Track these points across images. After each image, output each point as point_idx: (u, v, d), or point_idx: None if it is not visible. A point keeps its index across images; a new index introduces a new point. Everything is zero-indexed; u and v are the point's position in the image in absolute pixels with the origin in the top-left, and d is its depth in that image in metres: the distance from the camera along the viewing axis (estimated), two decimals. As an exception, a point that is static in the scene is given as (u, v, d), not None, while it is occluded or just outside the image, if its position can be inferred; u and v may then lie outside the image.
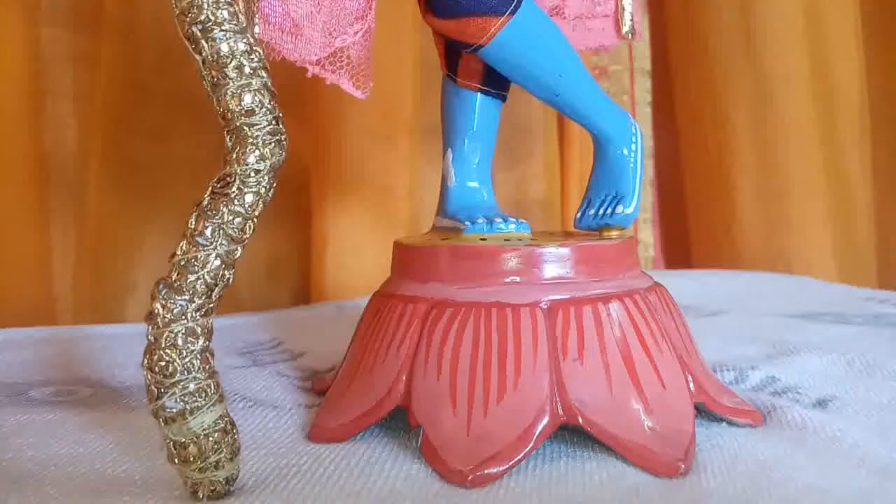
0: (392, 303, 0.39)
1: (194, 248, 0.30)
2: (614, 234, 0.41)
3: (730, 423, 0.38)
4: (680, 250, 0.95)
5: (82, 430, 0.38)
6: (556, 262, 0.37)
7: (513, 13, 0.37)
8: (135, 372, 0.48)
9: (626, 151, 0.41)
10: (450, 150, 0.42)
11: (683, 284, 0.77)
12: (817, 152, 0.88)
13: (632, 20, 0.50)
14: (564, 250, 0.37)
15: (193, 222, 0.30)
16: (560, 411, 0.34)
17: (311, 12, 0.35)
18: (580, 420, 0.34)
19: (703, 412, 0.38)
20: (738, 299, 0.72)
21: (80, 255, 0.65)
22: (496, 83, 0.42)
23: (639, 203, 0.42)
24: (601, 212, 0.41)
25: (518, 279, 0.36)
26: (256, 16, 0.34)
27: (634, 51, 0.93)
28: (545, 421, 0.33)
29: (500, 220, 0.38)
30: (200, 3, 0.30)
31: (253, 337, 0.57)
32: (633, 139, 0.41)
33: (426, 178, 0.78)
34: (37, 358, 0.51)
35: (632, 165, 0.41)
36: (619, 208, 0.41)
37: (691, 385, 0.37)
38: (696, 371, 0.38)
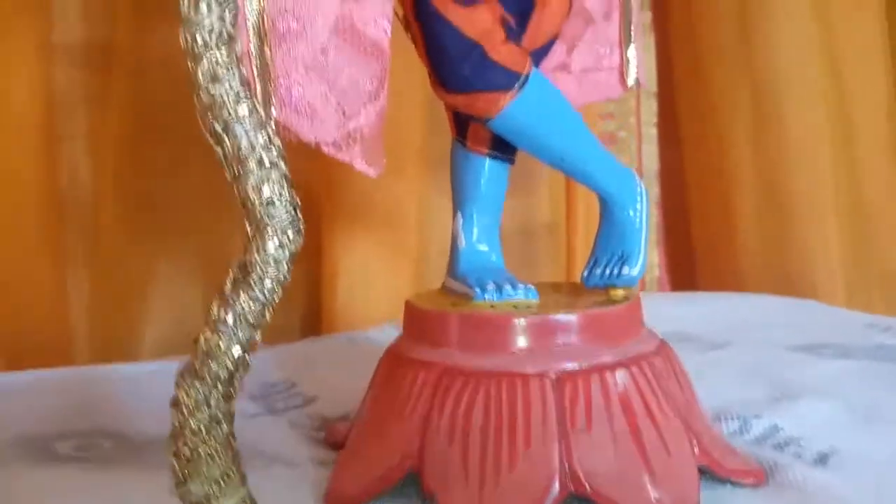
0: (404, 366, 0.40)
1: (216, 336, 0.31)
2: (620, 293, 0.43)
3: (734, 484, 0.39)
4: (685, 271, 0.96)
5: (104, 492, 0.39)
6: (563, 331, 0.38)
7: (521, 88, 0.38)
8: (153, 423, 0.49)
9: (631, 213, 0.42)
10: (459, 213, 0.43)
11: (688, 311, 0.79)
12: (827, 169, 0.89)
13: (637, 71, 0.51)
14: (571, 319, 0.38)
15: (215, 310, 0.32)
16: (569, 482, 0.35)
17: (325, 93, 0.36)
18: (588, 491, 0.35)
19: (708, 473, 0.39)
20: (742, 328, 0.73)
21: (95, 292, 0.66)
22: (505, 148, 0.43)
23: (644, 263, 0.43)
24: (608, 272, 0.43)
25: (527, 348, 0.38)
26: (273, 99, 0.35)
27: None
28: (555, 492, 0.35)
29: (508, 286, 0.40)
30: (222, 100, 0.31)
31: (266, 378, 0.59)
32: (639, 200, 0.42)
33: (435, 208, 0.78)
34: (56, 404, 0.52)
35: (637, 226, 0.42)
36: (626, 269, 0.42)
37: (696, 449, 0.38)
38: (700, 433, 0.39)
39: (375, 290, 0.77)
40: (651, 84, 0.93)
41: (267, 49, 0.35)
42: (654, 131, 0.94)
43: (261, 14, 0.34)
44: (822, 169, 0.89)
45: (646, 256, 0.43)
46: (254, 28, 0.34)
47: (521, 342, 0.38)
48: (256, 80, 0.35)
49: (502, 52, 0.37)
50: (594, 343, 0.38)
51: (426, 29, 0.38)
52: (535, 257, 0.84)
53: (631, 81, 0.50)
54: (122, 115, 0.65)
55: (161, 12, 0.64)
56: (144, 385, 0.56)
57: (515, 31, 0.39)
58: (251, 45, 0.34)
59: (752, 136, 0.90)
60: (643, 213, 0.42)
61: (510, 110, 0.38)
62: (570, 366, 0.37)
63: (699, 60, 0.92)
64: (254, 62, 0.35)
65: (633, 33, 0.50)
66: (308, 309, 0.78)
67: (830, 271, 0.88)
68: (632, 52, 0.51)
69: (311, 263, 0.79)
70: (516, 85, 0.38)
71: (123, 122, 0.65)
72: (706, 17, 0.92)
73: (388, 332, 0.73)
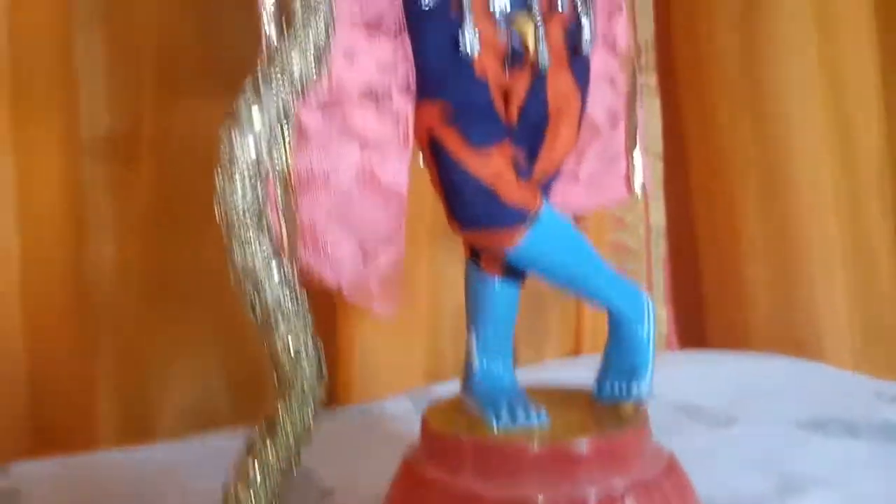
0: (421, 486, 0.42)
1: (244, 491, 0.33)
2: (630, 408, 0.44)
3: None
4: (695, 327, 0.97)
5: None
6: (575, 458, 0.40)
7: (532, 224, 0.40)
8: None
9: (640, 330, 0.44)
10: (473, 331, 0.45)
11: (695, 378, 0.80)
12: (834, 227, 0.90)
13: (643, 176, 0.53)
14: (583, 447, 0.40)
15: (243, 462, 0.33)
16: None
17: (346, 237, 0.38)
18: None
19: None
20: (750, 398, 0.75)
21: (120, 374, 0.68)
22: (518, 271, 0.44)
23: (652, 379, 0.45)
24: (617, 388, 0.44)
25: (540, 475, 0.39)
26: (298, 245, 0.37)
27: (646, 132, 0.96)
28: None
29: (522, 412, 0.41)
30: (253, 265, 0.33)
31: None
32: (647, 316, 0.44)
33: (447, 276, 0.80)
34: (84, 492, 0.54)
35: (646, 343, 0.43)
36: (635, 387, 0.44)
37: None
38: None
39: (389, 359, 0.78)
40: (656, 146, 0.94)
41: (292, 198, 0.37)
42: (660, 191, 0.96)
43: (287, 169, 0.36)
44: (830, 227, 0.90)
45: (653, 372, 0.45)
46: (280, 180, 0.36)
47: (534, 470, 0.39)
48: (282, 227, 0.37)
49: (514, 192, 0.39)
50: (605, 469, 0.40)
51: (441, 171, 0.39)
52: (545, 324, 0.86)
53: (637, 188, 0.52)
54: (146, 202, 0.67)
55: (184, 106, 0.67)
56: (169, 468, 0.58)
57: (526, 168, 0.41)
58: (278, 195, 0.36)
59: (761, 195, 0.92)
60: (651, 329, 0.44)
61: (522, 244, 0.40)
62: (582, 493, 0.39)
63: (708, 119, 0.94)
64: (279, 210, 0.37)
65: (638, 140, 0.52)
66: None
67: (838, 329, 0.90)
68: (637, 157, 0.52)
69: (324, 333, 0.80)
70: (527, 222, 0.40)
71: (147, 209, 0.68)
72: (715, 77, 0.93)
73: (403, 405, 0.75)
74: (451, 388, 0.71)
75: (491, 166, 0.39)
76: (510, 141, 0.40)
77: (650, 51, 0.93)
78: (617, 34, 0.49)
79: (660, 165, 0.96)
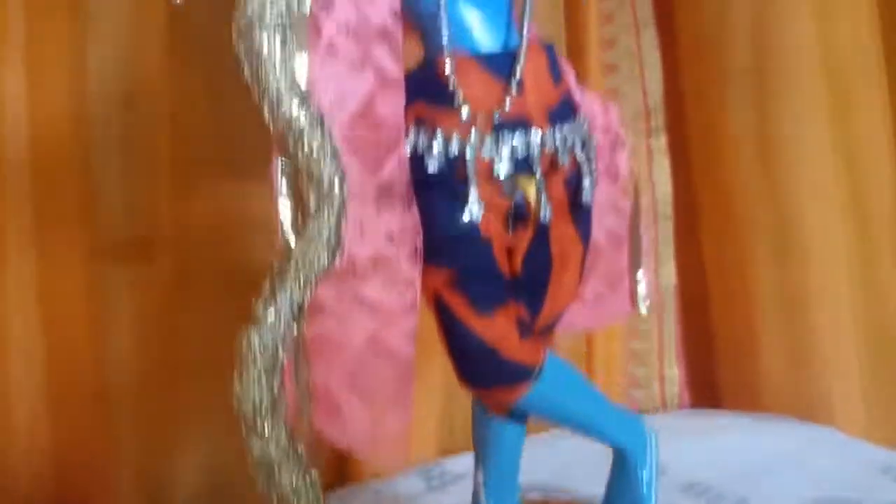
0: None
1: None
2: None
3: None
4: (708, 385, 0.98)
5: None
6: None
7: (535, 378, 0.41)
8: None
9: (642, 474, 0.45)
10: (481, 469, 0.46)
11: (703, 451, 0.81)
12: (846, 293, 0.91)
13: (646, 295, 0.54)
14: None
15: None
16: None
17: (356, 401, 0.40)
18: None
19: None
20: (758, 473, 0.76)
21: (141, 458, 0.71)
22: (523, 415, 0.46)
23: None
24: None
25: None
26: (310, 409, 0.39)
27: (657, 195, 0.97)
28: None
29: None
30: (269, 456, 0.35)
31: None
32: (650, 458, 0.45)
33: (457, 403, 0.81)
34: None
35: (647, 491, 0.45)
36: None
37: None
38: None
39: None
40: (666, 207, 0.95)
41: (305, 367, 0.39)
42: (670, 250, 0.97)
43: (300, 338, 0.38)
44: (842, 291, 0.90)
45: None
46: (294, 352, 0.38)
47: None
48: (296, 395, 0.38)
49: (517, 351, 0.41)
50: None
51: (447, 331, 0.41)
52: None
53: (643, 308, 0.53)
54: (163, 294, 0.69)
55: (199, 200, 0.69)
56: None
57: (530, 320, 0.43)
58: (291, 363, 0.38)
59: (774, 257, 0.92)
60: (653, 473, 0.45)
61: (526, 398, 0.42)
62: None
63: (720, 181, 0.94)
64: (293, 379, 0.39)
65: (641, 260, 0.54)
66: (332, 453, 0.82)
67: (849, 394, 0.91)
68: (641, 277, 0.54)
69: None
70: (531, 377, 0.41)
71: (164, 300, 0.70)
72: (726, 140, 0.93)
73: (414, 483, 0.77)
74: (463, 462, 0.73)
75: (495, 329, 0.41)
76: (514, 299, 0.42)
77: (659, 112, 0.96)
78: (619, 165, 0.51)
79: (670, 226, 0.98)
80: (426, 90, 0.42)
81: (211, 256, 0.70)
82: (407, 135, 0.42)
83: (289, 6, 0.38)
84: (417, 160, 0.42)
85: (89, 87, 0.68)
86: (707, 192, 0.97)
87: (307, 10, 0.39)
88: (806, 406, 0.91)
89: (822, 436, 0.85)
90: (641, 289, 0.54)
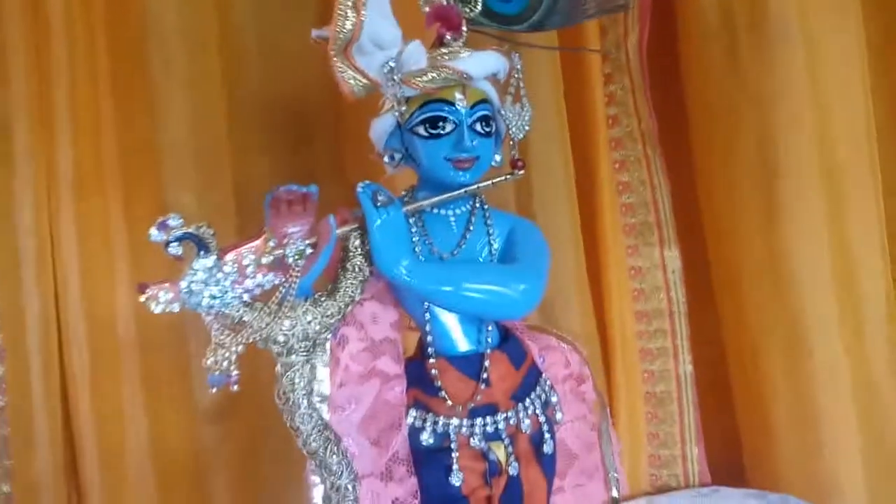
0: None
1: None
2: None
3: None
4: (730, 464, 1.10)
5: None
6: None
7: None
8: None
9: None
10: None
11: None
12: (848, 388, 1.01)
13: (618, 485, 0.68)
14: None
15: None
16: None
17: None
18: None
19: None
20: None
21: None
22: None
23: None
24: None
25: None
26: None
27: (672, 291, 1.08)
28: None
29: None
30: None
31: None
32: None
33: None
34: None
35: None
36: None
37: None
38: None
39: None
40: (681, 307, 1.07)
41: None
42: (687, 344, 1.08)
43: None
44: (842, 382, 1.00)
45: None
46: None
47: None
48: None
49: None
50: None
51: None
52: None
53: (616, 494, 0.67)
54: (243, 441, 0.88)
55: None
56: None
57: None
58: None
59: (784, 347, 1.02)
60: None
61: None
62: None
63: (733, 276, 1.04)
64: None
65: (613, 458, 0.67)
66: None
67: (854, 474, 1.01)
68: (614, 470, 0.68)
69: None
70: None
71: (245, 447, 0.88)
72: (737, 239, 1.03)
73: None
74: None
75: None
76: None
77: (670, 219, 1.06)
78: (586, 392, 0.64)
79: (685, 322, 1.09)
80: (420, 382, 0.58)
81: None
82: (408, 412, 0.58)
83: (314, 341, 0.54)
84: (415, 432, 0.58)
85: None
86: (721, 286, 1.08)
87: (327, 345, 0.55)
88: (818, 483, 1.03)
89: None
90: (614, 477, 0.68)
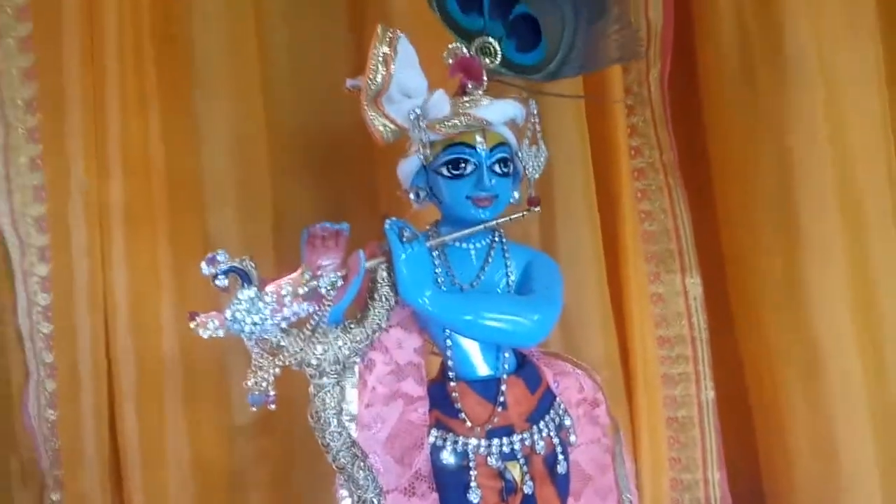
0: None
1: None
2: None
3: None
4: (752, 487, 1.13)
5: None
6: None
7: None
8: None
9: None
10: None
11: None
12: (864, 407, 1.03)
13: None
14: None
15: None
16: None
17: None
18: None
19: None
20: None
21: None
22: None
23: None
24: None
25: None
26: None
27: (694, 317, 1.12)
28: None
29: None
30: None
31: None
32: None
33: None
34: None
35: None
36: None
37: None
38: None
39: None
40: (702, 334, 1.10)
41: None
42: (708, 370, 1.12)
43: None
44: (860, 411, 1.03)
45: None
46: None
47: None
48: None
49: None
50: None
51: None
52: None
53: (630, 512, 0.72)
54: (279, 457, 0.95)
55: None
56: None
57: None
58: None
59: (802, 375, 1.05)
60: None
61: None
62: None
63: (753, 306, 1.07)
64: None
65: (627, 480, 0.71)
66: None
67: (872, 498, 1.03)
68: (627, 491, 0.72)
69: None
70: None
71: (281, 464, 0.95)
72: (757, 273, 1.07)
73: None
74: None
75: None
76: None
77: (691, 246, 1.10)
78: (599, 416, 0.69)
79: (707, 349, 1.13)
80: (442, 404, 0.64)
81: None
82: (429, 431, 0.63)
83: (343, 364, 0.60)
84: (437, 451, 0.63)
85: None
86: (741, 316, 1.11)
87: (356, 368, 0.61)
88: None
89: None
90: (628, 498, 0.72)
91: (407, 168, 0.65)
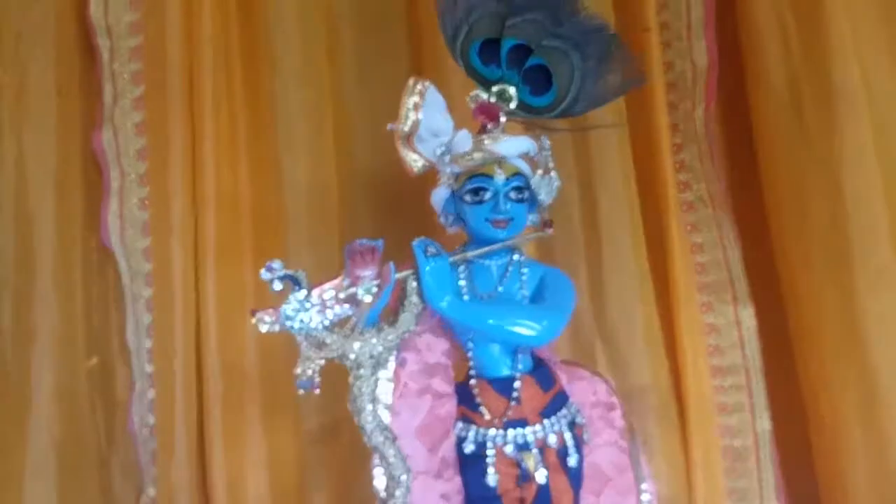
0: None
1: None
2: None
3: None
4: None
5: None
6: None
7: None
8: None
9: None
10: None
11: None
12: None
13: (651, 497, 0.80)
14: None
15: None
16: None
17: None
18: None
19: None
20: None
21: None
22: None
23: None
24: None
25: None
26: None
27: (747, 348, 1.18)
28: None
29: None
30: None
31: None
32: None
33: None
34: None
35: None
36: None
37: None
38: None
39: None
40: (756, 363, 1.16)
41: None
42: (765, 401, 1.17)
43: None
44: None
45: None
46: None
47: None
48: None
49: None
50: None
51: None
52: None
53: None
54: (346, 462, 1.08)
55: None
56: None
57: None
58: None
59: (861, 408, 1.09)
60: None
61: None
62: None
63: (813, 342, 1.11)
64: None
65: (644, 479, 0.80)
66: None
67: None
68: (646, 490, 0.80)
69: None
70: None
71: (348, 468, 1.08)
72: (810, 288, 1.11)
73: None
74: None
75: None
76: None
77: (742, 277, 1.17)
78: (615, 419, 0.79)
79: (761, 379, 1.18)
80: (466, 400, 0.76)
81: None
82: (455, 425, 0.75)
83: (377, 359, 0.73)
84: (460, 440, 0.74)
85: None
86: (799, 351, 1.15)
87: (389, 364, 0.73)
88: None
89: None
90: (646, 496, 0.80)
91: (437, 196, 0.79)
